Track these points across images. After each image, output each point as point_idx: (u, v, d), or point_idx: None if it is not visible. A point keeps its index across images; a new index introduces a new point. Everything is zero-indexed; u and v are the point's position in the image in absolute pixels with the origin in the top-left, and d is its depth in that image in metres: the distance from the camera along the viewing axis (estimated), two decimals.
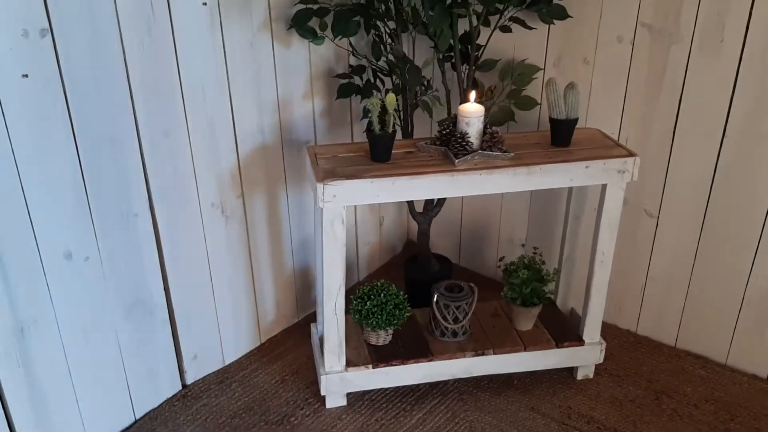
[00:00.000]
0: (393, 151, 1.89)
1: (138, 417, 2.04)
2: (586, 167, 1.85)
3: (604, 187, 1.92)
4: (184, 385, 2.17)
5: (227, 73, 1.96)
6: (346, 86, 2.17)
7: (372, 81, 2.21)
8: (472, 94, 1.86)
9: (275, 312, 2.39)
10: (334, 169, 1.79)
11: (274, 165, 2.21)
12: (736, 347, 2.20)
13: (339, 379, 2.03)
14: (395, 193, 1.78)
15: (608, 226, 1.97)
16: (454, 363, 2.08)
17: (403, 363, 2.05)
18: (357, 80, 2.23)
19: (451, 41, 2.08)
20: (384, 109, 1.78)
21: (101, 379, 1.90)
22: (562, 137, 1.92)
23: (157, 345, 2.03)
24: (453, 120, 1.89)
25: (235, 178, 2.10)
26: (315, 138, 2.32)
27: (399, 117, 2.24)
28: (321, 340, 2.03)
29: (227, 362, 2.28)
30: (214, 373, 2.23)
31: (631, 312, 2.40)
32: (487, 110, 2.17)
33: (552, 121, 1.91)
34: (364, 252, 2.73)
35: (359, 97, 2.23)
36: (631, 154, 1.87)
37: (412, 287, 2.54)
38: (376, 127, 1.80)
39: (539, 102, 2.26)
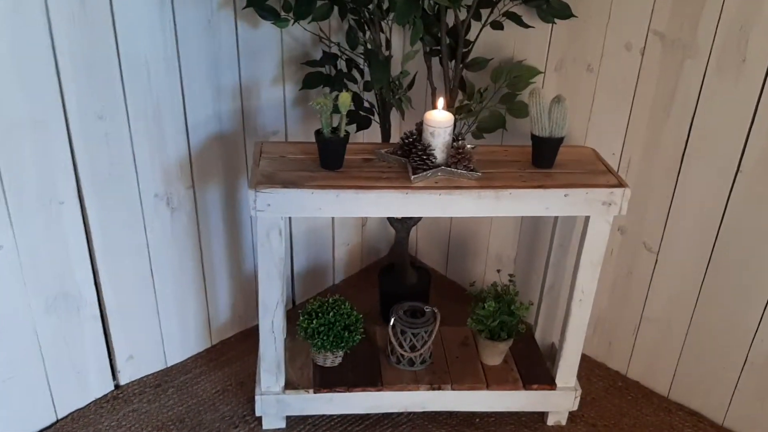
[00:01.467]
0: (351, 156, 1.67)
1: (60, 416, 1.89)
2: (565, 195, 1.59)
3: (587, 219, 1.66)
4: (117, 386, 2.01)
5: (178, 52, 1.76)
6: (313, 76, 1.94)
7: (346, 71, 1.98)
8: (440, 101, 1.62)
9: (230, 313, 2.21)
10: (274, 174, 1.58)
11: (234, 155, 2.01)
12: (736, 409, 1.93)
13: (276, 401, 1.84)
14: (340, 208, 1.56)
15: (590, 264, 1.71)
16: (407, 395, 1.87)
17: (348, 390, 1.85)
18: (330, 70, 2.00)
19: (437, 36, 1.83)
20: (336, 110, 1.56)
21: (17, 375, 1.75)
22: (543, 158, 1.67)
23: (85, 343, 1.87)
24: (419, 128, 1.65)
25: (185, 168, 1.90)
26: (285, 128, 2.11)
27: (378, 114, 2.01)
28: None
29: (170, 363, 2.11)
30: (153, 374, 2.07)
31: (623, 352, 2.14)
32: (475, 114, 1.93)
33: (534, 138, 1.66)
34: (342, 253, 2.52)
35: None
36: (620, 184, 1.61)
37: (386, 299, 2.33)
38: (326, 130, 1.58)
39: None
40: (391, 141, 2.08)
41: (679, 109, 1.76)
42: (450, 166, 1.60)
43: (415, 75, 2.06)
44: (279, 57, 2.00)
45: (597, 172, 1.67)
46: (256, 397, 1.83)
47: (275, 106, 2.04)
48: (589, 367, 2.19)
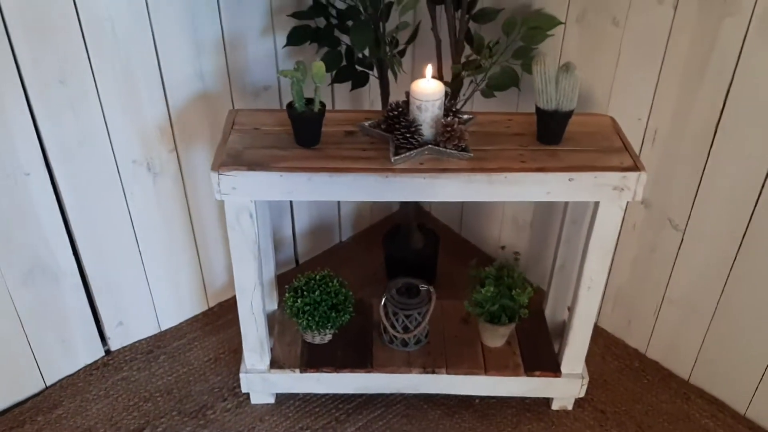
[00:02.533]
0: (332, 129, 1.50)
1: (49, 384, 1.86)
2: (570, 180, 1.40)
3: (597, 203, 1.47)
4: (108, 352, 1.96)
5: (146, 3, 1.59)
6: (300, 30, 1.74)
7: (336, 24, 1.77)
8: (428, 69, 1.42)
9: (227, 275, 2.12)
10: (242, 152, 1.43)
11: (221, 115, 1.84)
12: (761, 399, 1.76)
13: (261, 380, 1.76)
14: (313, 192, 1.41)
15: (600, 250, 1.53)
16: (399, 377, 1.76)
17: (336, 371, 1.75)
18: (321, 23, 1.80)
19: None
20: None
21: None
22: (549, 133, 1.46)
23: (68, 313, 1.81)
24: (404, 101, 1.46)
25: (166, 132, 1.77)
26: (279, 84, 1.93)
27: (380, 70, 1.81)
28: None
29: (164, 328, 2.05)
30: (146, 339, 2.01)
31: (643, 331, 1.97)
32: (485, 70, 1.72)
33: (539, 111, 1.45)
34: (350, 209, 2.38)
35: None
36: (636, 167, 1.40)
37: (391, 264, 2.20)
38: (298, 104, 1.40)
39: None
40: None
41: (715, 74, 1.51)
42: (438, 145, 1.41)
43: (418, 25, 1.84)
44: (267, 5, 1.80)
45: (611, 150, 1.46)
46: (241, 375, 1.75)
47: (265, 60, 1.87)
48: (605, 344, 2.03)
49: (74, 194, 1.68)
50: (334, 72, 1.78)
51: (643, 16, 1.58)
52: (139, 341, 2.00)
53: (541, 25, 1.72)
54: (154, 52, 1.65)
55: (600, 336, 2.04)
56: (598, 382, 1.91)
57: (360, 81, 1.82)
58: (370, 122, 1.49)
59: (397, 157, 1.39)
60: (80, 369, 1.91)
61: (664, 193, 1.73)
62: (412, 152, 1.40)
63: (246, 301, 1.60)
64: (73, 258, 1.76)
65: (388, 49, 1.61)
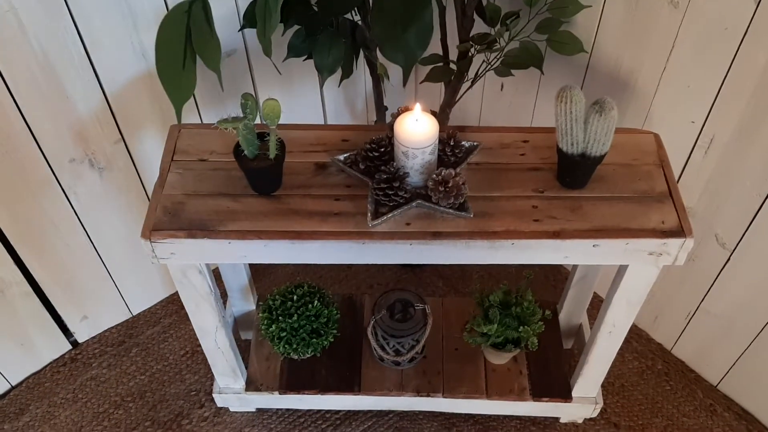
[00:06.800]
0: (298, 160, 1.20)
1: (15, 383, 1.72)
2: (594, 246, 1.10)
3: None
4: (75, 344, 1.79)
5: None
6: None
7: None
8: (417, 107, 1.07)
9: None
10: (182, 204, 1.14)
11: None
12: None
13: (237, 399, 1.60)
14: (272, 257, 1.13)
15: (626, 303, 1.26)
16: (389, 399, 1.58)
17: (320, 393, 1.56)
18: None
19: None
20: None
21: None
22: (572, 178, 1.14)
23: (22, 319, 1.63)
24: (390, 134, 1.13)
25: (107, 123, 1.46)
26: (245, 46, 1.57)
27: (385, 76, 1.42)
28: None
29: (135, 312, 1.86)
30: (118, 326, 1.84)
31: (670, 328, 1.73)
32: (500, 49, 1.36)
33: (560, 154, 1.11)
34: None
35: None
36: (681, 231, 1.09)
37: None
38: (248, 150, 1.08)
39: (585, 49, 1.38)
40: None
41: None
42: (429, 199, 1.11)
43: None
44: None
45: (651, 197, 1.14)
46: (214, 395, 1.58)
47: (224, 21, 1.49)
48: (627, 336, 1.79)
49: (4, 207, 1.42)
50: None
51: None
52: (110, 329, 1.83)
53: None
54: (78, 36, 1.30)
55: None
56: (614, 386, 1.72)
57: (345, 71, 1.43)
58: (345, 155, 1.17)
59: (376, 221, 1.09)
60: (46, 366, 1.76)
61: (713, 207, 1.41)
62: (396, 212, 1.10)
63: (209, 340, 1.39)
64: (17, 269, 1.54)
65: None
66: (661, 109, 1.36)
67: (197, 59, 1.08)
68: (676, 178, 1.34)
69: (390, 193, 1.08)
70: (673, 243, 1.09)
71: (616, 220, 1.11)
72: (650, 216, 1.11)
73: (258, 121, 1.09)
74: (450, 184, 1.07)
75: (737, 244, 1.41)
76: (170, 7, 1.37)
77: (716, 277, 1.51)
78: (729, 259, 1.45)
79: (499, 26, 1.34)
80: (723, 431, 1.64)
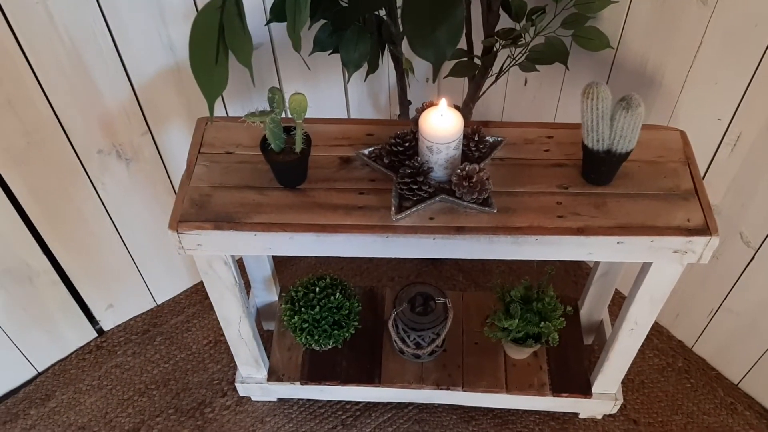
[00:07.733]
0: (323, 153, 1.21)
1: (41, 369, 1.76)
2: (618, 243, 1.10)
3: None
4: (101, 331, 1.82)
5: None
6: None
7: None
8: (443, 101, 1.07)
9: None
10: (209, 196, 1.15)
11: None
12: None
13: (259, 389, 1.62)
14: (298, 249, 1.14)
15: (649, 300, 1.26)
16: (409, 392, 1.59)
17: (341, 384, 1.58)
18: None
19: None
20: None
21: None
22: (597, 174, 1.14)
23: (49, 306, 1.65)
24: (414, 129, 1.14)
25: (134, 115, 1.48)
26: (270, 39, 1.58)
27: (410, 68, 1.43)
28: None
29: (160, 302, 1.88)
30: (142, 315, 1.86)
31: (692, 326, 1.73)
32: (525, 45, 1.36)
33: (585, 150, 1.11)
34: None
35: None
36: (707, 229, 1.09)
37: None
38: (274, 143, 1.10)
39: (611, 45, 1.38)
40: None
41: None
42: (453, 194, 1.11)
43: None
44: None
45: (677, 195, 1.14)
46: (237, 384, 1.61)
47: (252, 17, 1.49)
48: (648, 333, 1.79)
49: (33, 196, 1.45)
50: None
51: None
52: (135, 318, 1.86)
53: None
54: (106, 28, 1.32)
55: None
56: (634, 383, 1.72)
57: (371, 66, 1.44)
58: (370, 150, 1.18)
59: (399, 215, 1.10)
60: (72, 353, 1.79)
61: (738, 205, 1.40)
62: (419, 206, 1.11)
63: (233, 329, 1.41)
64: (45, 257, 1.57)
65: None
66: (687, 106, 1.35)
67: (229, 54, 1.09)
68: (702, 176, 1.34)
69: (414, 187, 1.09)
70: (699, 241, 1.09)
71: (641, 217, 1.11)
72: (675, 214, 1.11)
73: (284, 115, 1.10)
74: (474, 180, 1.08)
75: (762, 243, 1.40)
76: (198, 2, 1.39)
77: (740, 276, 1.50)
78: (753, 258, 1.45)
79: (524, 21, 1.34)
80: (743, 429, 1.64)
